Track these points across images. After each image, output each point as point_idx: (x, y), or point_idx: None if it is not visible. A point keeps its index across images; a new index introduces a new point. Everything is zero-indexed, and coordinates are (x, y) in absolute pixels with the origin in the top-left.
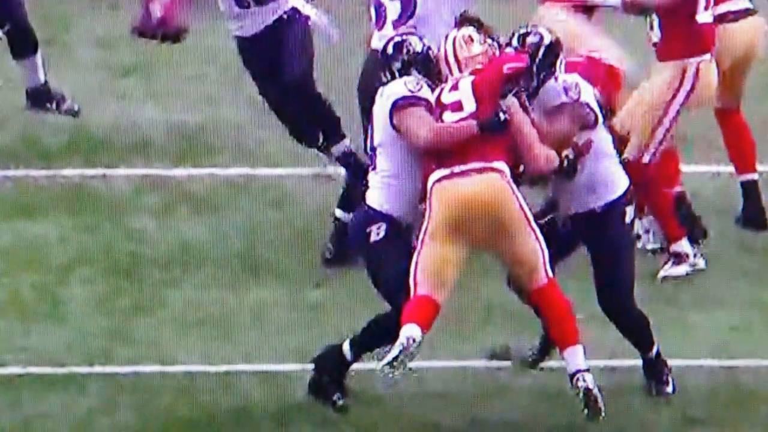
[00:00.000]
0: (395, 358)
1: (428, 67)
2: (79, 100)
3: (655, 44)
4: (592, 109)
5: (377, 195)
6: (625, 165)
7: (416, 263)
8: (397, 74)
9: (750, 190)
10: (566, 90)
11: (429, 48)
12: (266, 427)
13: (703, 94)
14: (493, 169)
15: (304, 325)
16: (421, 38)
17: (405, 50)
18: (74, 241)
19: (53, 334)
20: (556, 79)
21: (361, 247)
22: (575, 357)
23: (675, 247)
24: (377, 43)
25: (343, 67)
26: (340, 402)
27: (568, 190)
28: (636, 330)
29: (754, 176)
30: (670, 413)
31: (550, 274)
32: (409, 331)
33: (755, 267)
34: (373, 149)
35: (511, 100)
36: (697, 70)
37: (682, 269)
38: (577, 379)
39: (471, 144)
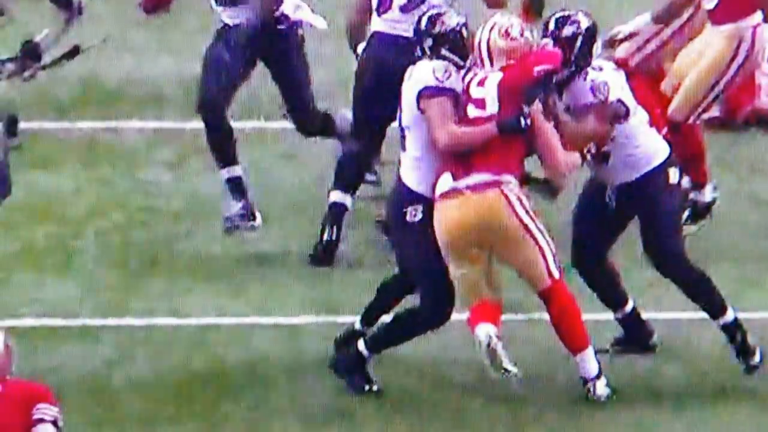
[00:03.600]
0: (492, 363)
1: (459, 44)
2: (93, 53)
3: (709, 10)
4: (623, 103)
5: (411, 175)
6: (669, 122)
7: (455, 282)
8: (427, 51)
9: None
10: (593, 90)
11: (464, 25)
12: (280, 379)
13: (758, 58)
14: (494, 183)
15: (317, 277)
16: (457, 13)
17: (438, 26)
18: (88, 193)
19: (67, 286)
20: (585, 77)
21: (397, 225)
22: (585, 363)
23: (699, 197)
24: (381, 26)
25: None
26: (374, 388)
27: (608, 168)
28: (698, 293)
29: None
30: (679, 366)
31: (555, 275)
32: (481, 330)
33: (765, 220)
34: (402, 129)
35: (536, 106)
36: (754, 34)
37: (694, 228)
38: (588, 390)
39: (484, 149)
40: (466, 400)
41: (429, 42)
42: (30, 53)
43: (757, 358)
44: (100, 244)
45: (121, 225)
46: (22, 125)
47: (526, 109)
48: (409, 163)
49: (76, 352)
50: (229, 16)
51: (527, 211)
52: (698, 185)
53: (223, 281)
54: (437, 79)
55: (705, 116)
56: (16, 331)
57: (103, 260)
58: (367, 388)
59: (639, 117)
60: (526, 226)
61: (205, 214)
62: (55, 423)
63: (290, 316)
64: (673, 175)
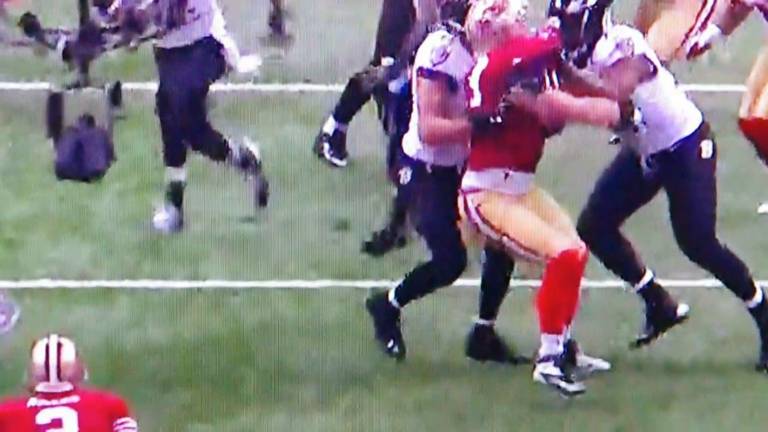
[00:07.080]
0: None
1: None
2: None
3: None
4: (649, 60)
5: (409, 139)
6: (757, 123)
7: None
8: (440, 18)
9: None
10: (619, 46)
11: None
12: (296, 343)
13: None
14: (462, 192)
15: (333, 241)
16: None
17: None
18: None
19: (83, 248)
20: (606, 36)
21: (395, 185)
22: (547, 343)
23: None
24: None
25: None
26: (396, 349)
27: (639, 134)
28: (727, 273)
29: None
30: (699, 335)
31: (554, 253)
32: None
33: None
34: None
35: (518, 92)
36: None
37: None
38: (534, 369)
39: (473, 143)
40: (483, 370)
41: (439, 11)
42: (133, 24)
43: None
44: (116, 206)
45: (138, 188)
46: (42, 85)
47: (510, 97)
48: (412, 123)
49: (91, 313)
50: (168, 41)
51: (486, 221)
52: None
53: (240, 244)
54: (431, 61)
55: None
56: (31, 292)
57: (120, 223)
58: (390, 344)
59: (665, 77)
60: (488, 237)
61: (222, 177)
62: None
63: (307, 280)
64: (706, 148)
